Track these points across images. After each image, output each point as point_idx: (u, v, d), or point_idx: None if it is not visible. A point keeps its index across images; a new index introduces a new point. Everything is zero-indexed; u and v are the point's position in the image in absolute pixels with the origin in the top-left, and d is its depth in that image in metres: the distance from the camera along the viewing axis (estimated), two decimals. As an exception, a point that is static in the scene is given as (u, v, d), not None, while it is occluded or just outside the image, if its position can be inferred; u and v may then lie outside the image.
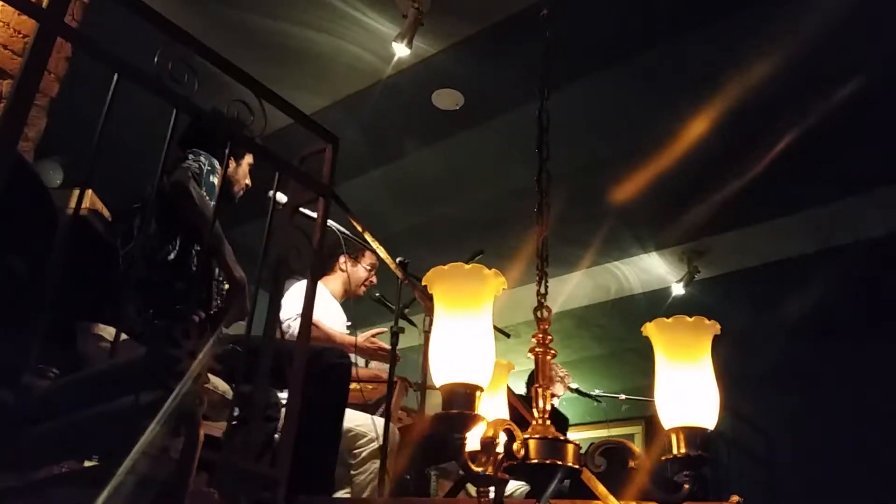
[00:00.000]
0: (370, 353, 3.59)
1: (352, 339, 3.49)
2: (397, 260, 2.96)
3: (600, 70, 4.09)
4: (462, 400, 1.31)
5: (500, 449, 1.32)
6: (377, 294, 3.73)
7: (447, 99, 4.44)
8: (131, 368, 1.24)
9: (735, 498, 1.53)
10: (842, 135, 4.34)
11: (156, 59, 1.67)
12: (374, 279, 3.89)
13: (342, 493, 3.15)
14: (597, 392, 5.49)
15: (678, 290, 5.98)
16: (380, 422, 3.22)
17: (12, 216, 1.69)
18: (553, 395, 4.94)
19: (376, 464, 3.18)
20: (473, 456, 1.31)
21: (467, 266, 1.39)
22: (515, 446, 1.33)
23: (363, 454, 3.28)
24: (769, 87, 3.96)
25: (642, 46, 3.92)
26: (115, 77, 1.59)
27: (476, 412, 1.31)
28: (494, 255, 3.60)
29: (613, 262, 6.09)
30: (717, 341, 1.52)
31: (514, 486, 3.68)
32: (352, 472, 3.24)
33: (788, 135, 4.30)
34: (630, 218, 5.33)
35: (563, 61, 3.70)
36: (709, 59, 3.84)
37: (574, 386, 5.26)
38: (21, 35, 2.65)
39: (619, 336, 6.84)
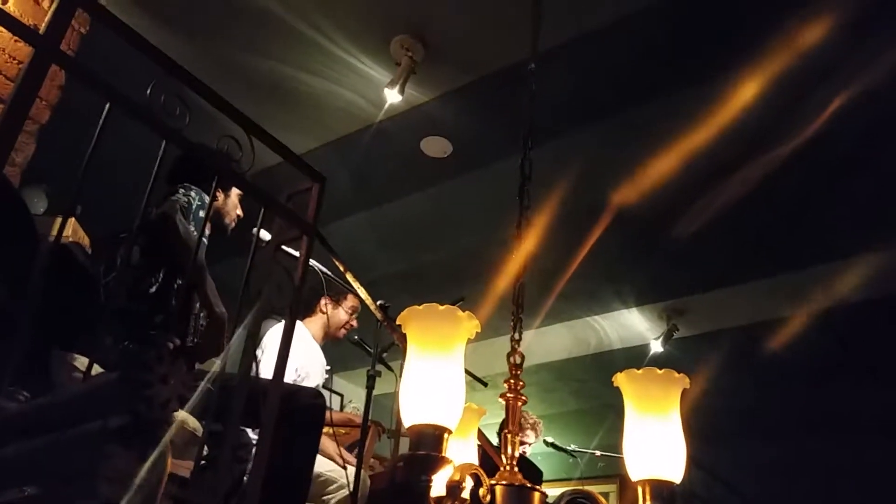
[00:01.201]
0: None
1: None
2: (378, 303, 2.96)
3: (585, 123, 4.15)
4: (430, 441, 1.30)
5: (465, 494, 1.31)
6: (356, 337, 3.72)
7: (436, 146, 4.49)
8: (101, 392, 1.23)
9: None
10: (822, 201, 4.42)
11: (149, 91, 1.68)
12: (354, 322, 3.88)
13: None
14: (572, 447, 5.45)
15: (657, 347, 6.00)
16: (351, 468, 3.17)
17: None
18: (524, 443, 4.89)
19: (345, 511, 3.12)
20: (439, 501, 1.30)
21: (441, 307, 1.40)
22: (482, 492, 1.32)
23: (332, 502, 3.22)
24: (757, 145, 4.04)
25: (627, 100, 3.99)
26: (107, 106, 1.60)
27: (444, 454, 1.31)
28: (477, 303, 3.59)
29: (593, 316, 6.10)
30: (695, 399, 1.52)
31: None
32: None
33: (770, 197, 4.37)
34: (612, 272, 5.36)
35: (549, 114, 3.77)
36: (694, 114, 3.90)
37: (550, 440, 5.22)
38: (16, 61, 2.68)
39: (597, 392, 6.82)
